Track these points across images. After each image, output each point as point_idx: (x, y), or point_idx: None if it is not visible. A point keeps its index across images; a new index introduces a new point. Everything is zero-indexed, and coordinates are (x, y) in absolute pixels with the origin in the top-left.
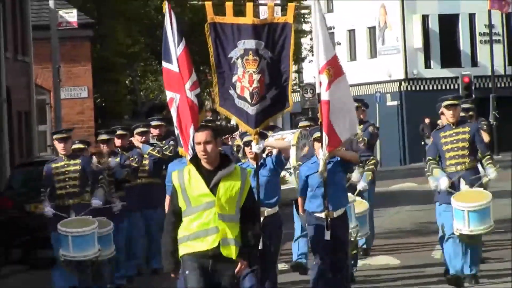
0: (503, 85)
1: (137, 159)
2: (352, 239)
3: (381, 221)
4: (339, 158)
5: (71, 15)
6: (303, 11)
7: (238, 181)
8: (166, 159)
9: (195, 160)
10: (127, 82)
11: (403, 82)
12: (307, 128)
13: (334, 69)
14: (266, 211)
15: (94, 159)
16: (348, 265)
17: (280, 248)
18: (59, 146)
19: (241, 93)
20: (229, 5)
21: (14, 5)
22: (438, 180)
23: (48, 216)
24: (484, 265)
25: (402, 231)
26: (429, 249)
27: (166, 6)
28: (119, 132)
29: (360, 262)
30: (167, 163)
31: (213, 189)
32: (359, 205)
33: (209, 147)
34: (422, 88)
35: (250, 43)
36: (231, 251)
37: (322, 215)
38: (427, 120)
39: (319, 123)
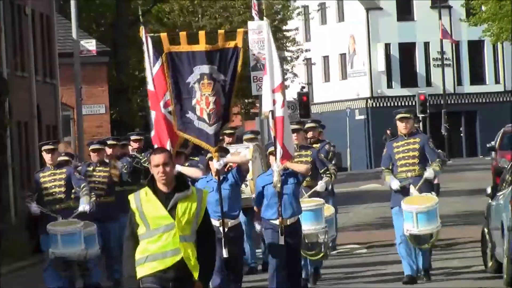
0: (453, 102)
1: (126, 166)
2: (320, 239)
3: (351, 216)
4: (291, 170)
5: (90, 44)
6: (282, 41)
7: (195, 202)
8: (145, 169)
9: (151, 182)
10: (138, 100)
11: (369, 100)
12: (254, 140)
13: (284, 91)
14: (230, 222)
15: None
16: (301, 267)
17: (243, 256)
18: (47, 157)
19: (200, 115)
20: (183, 35)
21: (43, 36)
22: (390, 183)
23: (35, 213)
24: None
25: (368, 224)
26: (391, 240)
27: (142, 31)
28: (110, 142)
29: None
30: (146, 174)
31: (171, 212)
32: (327, 210)
33: (167, 169)
34: (385, 104)
35: (204, 68)
36: (194, 270)
37: (277, 222)
38: (388, 131)
39: (273, 137)
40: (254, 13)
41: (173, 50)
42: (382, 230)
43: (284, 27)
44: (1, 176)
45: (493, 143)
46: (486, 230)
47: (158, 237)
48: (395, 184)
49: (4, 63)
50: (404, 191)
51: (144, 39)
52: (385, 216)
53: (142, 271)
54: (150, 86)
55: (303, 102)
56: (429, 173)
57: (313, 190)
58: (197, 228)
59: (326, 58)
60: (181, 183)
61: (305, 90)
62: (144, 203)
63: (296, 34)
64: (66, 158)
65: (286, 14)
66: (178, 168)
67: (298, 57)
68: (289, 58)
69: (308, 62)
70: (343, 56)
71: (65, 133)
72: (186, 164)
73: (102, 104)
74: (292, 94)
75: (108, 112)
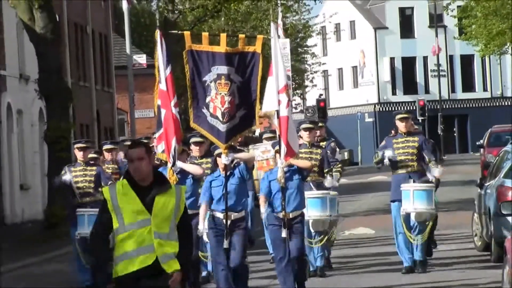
0: (448, 106)
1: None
2: (326, 228)
3: (361, 203)
4: (296, 167)
5: (142, 58)
6: (304, 55)
7: (173, 198)
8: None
9: (128, 176)
10: (181, 105)
11: (376, 105)
12: (273, 139)
13: (288, 93)
14: (233, 215)
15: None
16: (304, 258)
17: (246, 248)
18: (79, 154)
19: (213, 112)
20: (205, 35)
21: (101, 52)
22: (384, 152)
23: (67, 181)
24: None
25: (376, 210)
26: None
27: (158, 34)
28: (126, 143)
29: (346, 232)
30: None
31: (148, 207)
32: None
33: (142, 164)
34: (390, 109)
35: (223, 69)
36: (172, 265)
37: (280, 215)
38: (393, 131)
39: (277, 136)
40: (280, 32)
41: (194, 48)
42: (387, 215)
43: (305, 44)
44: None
45: (481, 141)
46: (475, 215)
47: (132, 232)
48: (389, 152)
49: (68, 75)
50: (404, 181)
51: (158, 41)
52: (389, 203)
53: (116, 270)
54: (162, 86)
55: (321, 107)
56: (437, 172)
57: (329, 186)
58: (176, 222)
59: (340, 70)
60: (159, 178)
61: (323, 97)
62: (120, 196)
63: (315, 49)
64: (95, 155)
65: (307, 33)
66: (180, 164)
67: (316, 71)
68: (308, 70)
69: (325, 73)
70: (354, 68)
71: (120, 133)
72: (188, 162)
73: (151, 109)
74: (311, 100)
75: (157, 115)
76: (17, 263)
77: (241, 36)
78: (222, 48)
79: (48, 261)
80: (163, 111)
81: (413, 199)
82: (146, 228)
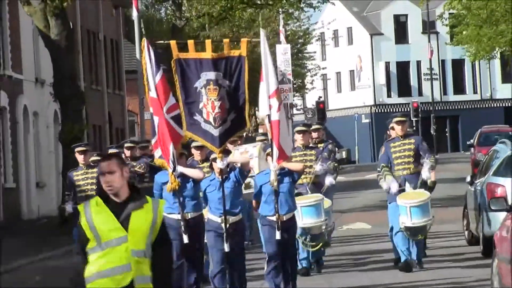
0: (440, 108)
1: (143, 166)
2: (322, 231)
3: (358, 200)
4: (287, 169)
5: None
6: (302, 60)
7: (150, 214)
8: (140, 174)
9: (102, 191)
10: None
11: (373, 107)
12: (265, 141)
13: (279, 97)
14: (231, 219)
15: None
16: (296, 260)
17: (245, 251)
18: (79, 158)
19: (207, 118)
20: (190, 43)
21: (113, 57)
22: (390, 184)
23: (69, 212)
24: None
25: (373, 206)
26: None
27: (145, 43)
28: (128, 144)
29: (344, 227)
30: (141, 178)
31: (124, 223)
32: (324, 202)
33: (112, 178)
34: (385, 111)
35: (211, 75)
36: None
37: (274, 218)
38: (388, 132)
39: (269, 139)
40: (281, 38)
41: (182, 57)
42: (383, 210)
43: (304, 48)
44: None
45: (472, 141)
46: (466, 211)
47: (109, 251)
48: (395, 188)
49: (81, 79)
50: (400, 188)
51: (146, 50)
52: (385, 200)
53: None
54: (152, 93)
55: (320, 109)
56: (425, 175)
57: (325, 186)
58: (153, 239)
59: (338, 74)
60: (135, 193)
61: (322, 99)
62: (95, 214)
63: (314, 55)
64: (98, 158)
65: (307, 39)
66: (180, 169)
67: (315, 74)
68: (308, 74)
69: (324, 77)
70: (352, 72)
71: (130, 134)
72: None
73: None
74: (311, 102)
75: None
76: (33, 257)
77: (226, 40)
78: (208, 54)
79: (61, 255)
80: (156, 119)
81: (410, 216)
82: (123, 246)
